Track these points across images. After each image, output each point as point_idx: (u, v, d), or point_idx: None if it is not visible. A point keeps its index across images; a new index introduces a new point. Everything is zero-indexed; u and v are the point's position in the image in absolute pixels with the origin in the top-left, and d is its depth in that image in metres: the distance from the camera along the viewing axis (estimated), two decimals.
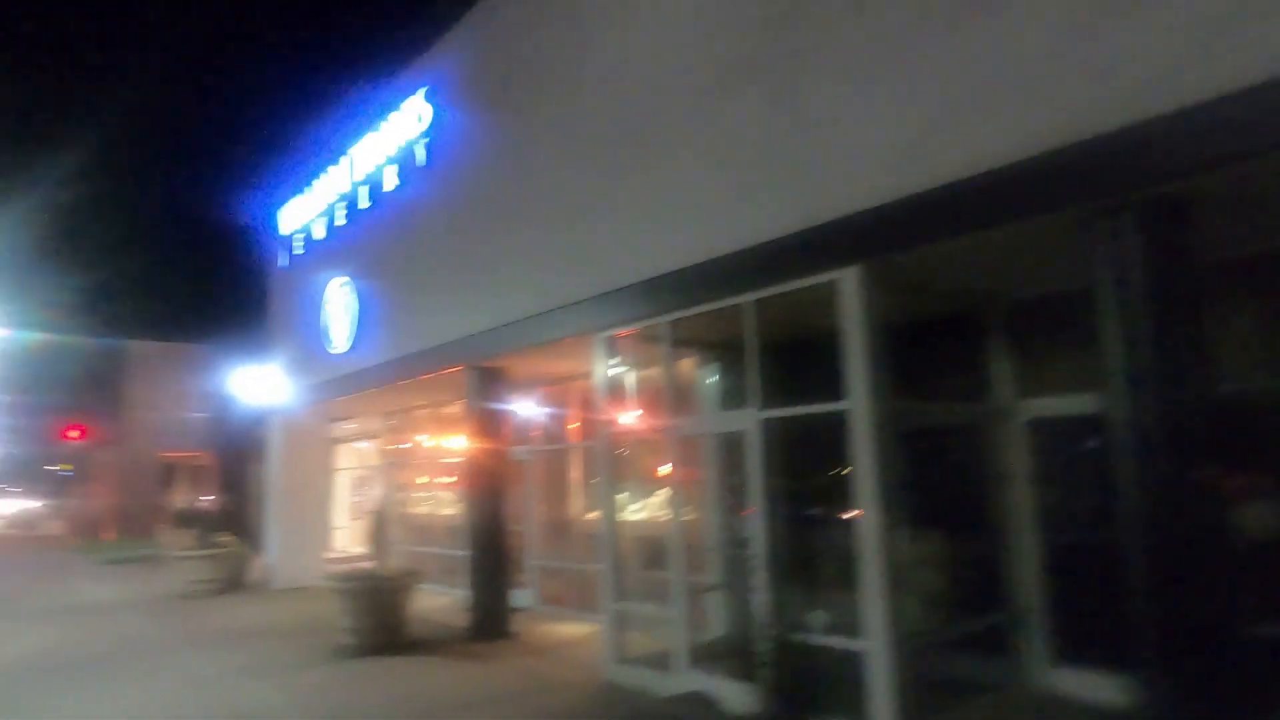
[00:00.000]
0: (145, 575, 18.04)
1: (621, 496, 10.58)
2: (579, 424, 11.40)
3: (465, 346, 10.02)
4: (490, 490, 10.12)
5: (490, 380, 10.31)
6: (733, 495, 8.36)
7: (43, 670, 8.91)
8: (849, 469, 5.76)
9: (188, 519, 27.56)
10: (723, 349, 8.26)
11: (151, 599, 14.14)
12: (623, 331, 7.83)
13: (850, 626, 5.91)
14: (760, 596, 6.17)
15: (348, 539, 21.97)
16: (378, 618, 9.13)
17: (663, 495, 10.56)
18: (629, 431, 8.36)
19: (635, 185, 7.57)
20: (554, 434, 11.91)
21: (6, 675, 8.73)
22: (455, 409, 14.32)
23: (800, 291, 6.10)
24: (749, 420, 6.47)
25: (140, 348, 32.09)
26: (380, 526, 9.69)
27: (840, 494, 6.59)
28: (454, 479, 15.37)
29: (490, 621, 9.82)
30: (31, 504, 62.58)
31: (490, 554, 9.99)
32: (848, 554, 6.59)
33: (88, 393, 35.38)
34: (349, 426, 19.19)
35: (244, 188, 17.33)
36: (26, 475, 72.74)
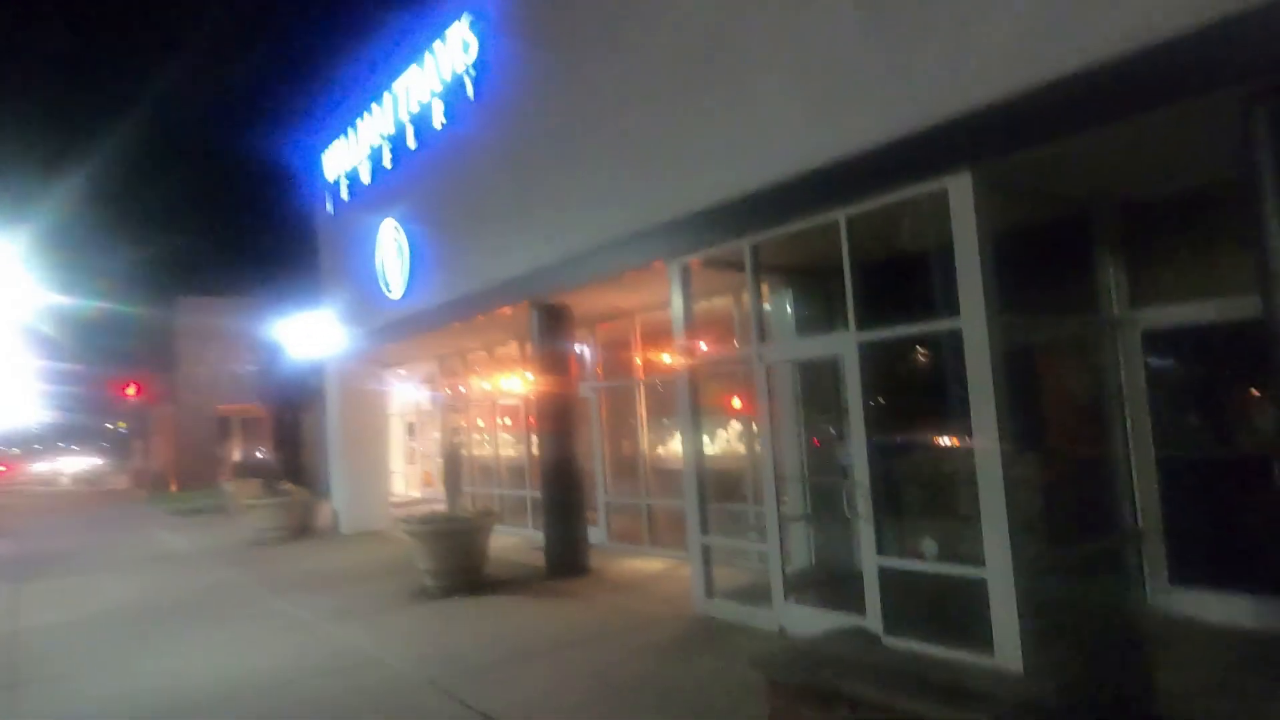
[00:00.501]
0: (214, 524, 18.50)
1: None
2: (644, 359, 11.16)
3: (527, 282, 9.77)
4: (560, 428, 9.98)
5: (554, 317, 10.07)
6: (820, 423, 8.11)
7: (146, 617, 9.10)
8: (955, 389, 5.45)
9: (247, 470, 28.20)
10: (807, 272, 7.89)
11: (226, 547, 14.45)
12: (698, 258, 7.48)
13: (962, 553, 5.68)
14: (864, 525, 5.94)
15: (404, 483, 22.31)
16: (457, 559, 9.13)
17: (735, 428, 10.36)
18: (707, 362, 8.08)
19: (710, 102, 7.13)
20: (619, 370, 11.69)
21: (114, 622, 8.93)
22: (511, 350, 14.20)
23: (901, 204, 5.69)
24: (844, 344, 6.14)
25: (191, 304, 32.44)
26: (453, 469, 9.63)
27: (945, 416, 6.30)
28: (512, 420, 15.34)
29: (567, 559, 9.79)
30: (94, 460, 64.90)
31: (563, 492, 9.91)
32: (954, 479, 6.34)
33: (142, 351, 36.03)
34: (401, 372, 19.25)
35: (285, 134, 17.06)
36: (87, 433, 75.30)
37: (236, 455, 34.34)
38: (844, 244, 6.07)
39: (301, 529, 15.12)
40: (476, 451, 15.65)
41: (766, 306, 8.59)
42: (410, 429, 23.06)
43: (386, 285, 13.06)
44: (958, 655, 5.18)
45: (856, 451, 6.02)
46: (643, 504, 11.04)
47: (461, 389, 16.39)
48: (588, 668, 6.20)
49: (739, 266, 7.17)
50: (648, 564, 10.15)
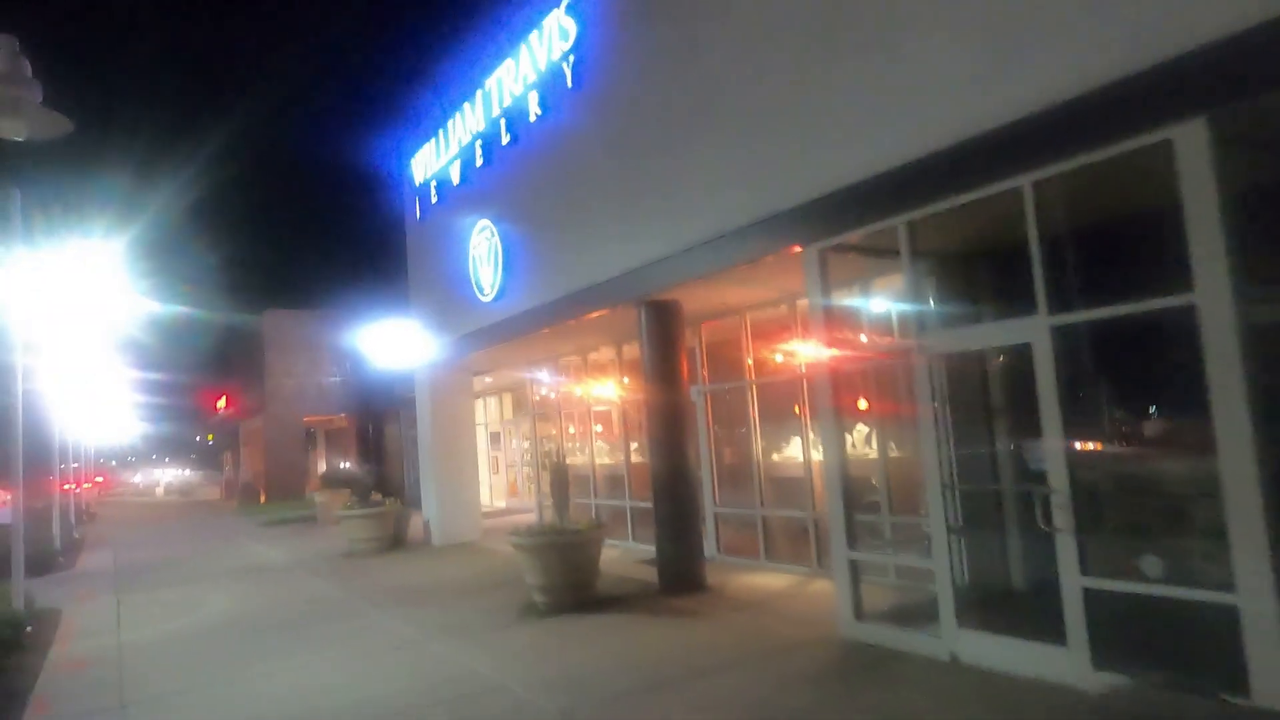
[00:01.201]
0: (305, 535, 18.45)
1: (824, 434, 9.64)
2: (755, 359, 10.44)
3: (634, 280, 9.17)
4: (671, 435, 9.33)
5: (662, 315, 9.44)
6: (968, 424, 7.25)
7: (249, 631, 8.79)
8: (1180, 379, 4.59)
9: (334, 481, 28.47)
10: (971, 252, 7.04)
11: (320, 558, 14.25)
12: (840, 242, 6.74)
13: (1197, 574, 4.79)
14: (1063, 540, 5.10)
15: (489, 493, 21.99)
16: (567, 574, 8.54)
17: (866, 429, 9.54)
18: (851, 358, 7.31)
19: (850, 67, 6.41)
20: (727, 371, 10.98)
21: (217, 636, 8.64)
22: (605, 354, 13.64)
23: (1107, 163, 4.86)
24: (1032, 330, 5.32)
25: (278, 316, 33.07)
26: (561, 479, 9.07)
27: (1166, 410, 5.42)
28: (605, 427, 14.78)
29: (682, 574, 9.11)
30: (186, 472, 67.33)
31: (678, 503, 9.24)
32: (1183, 485, 5.44)
33: (231, 364, 36.96)
34: (488, 380, 18.94)
35: (373, 141, 16.96)
36: (178, 446, 78.26)
37: (322, 466, 34.82)
38: (1029, 215, 5.26)
39: (394, 541, 14.84)
40: (571, 460, 15.13)
41: (927, 291, 7.82)
42: (494, 438, 22.78)
43: (479, 288, 12.66)
44: (1192, 697, 4.31)
45: (1052, 455, 5.18)
46: (756, 515, 10.29)
47: (553, 395, 15.93)
48: (737, 700, 5.50)
49: (887, 250, 6.42)
50: (767, 580, 9.39)
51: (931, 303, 6.18)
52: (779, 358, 10.36)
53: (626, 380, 13.36)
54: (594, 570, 8.82)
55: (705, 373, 11.32)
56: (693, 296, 9.33)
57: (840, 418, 6.86)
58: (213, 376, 40.19)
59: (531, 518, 17.42)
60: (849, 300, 8.18)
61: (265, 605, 10.31)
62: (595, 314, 10.26)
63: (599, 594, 8.84)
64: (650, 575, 10.03)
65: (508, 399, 22.86)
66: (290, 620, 9.26)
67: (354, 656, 7.39)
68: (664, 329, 9.43)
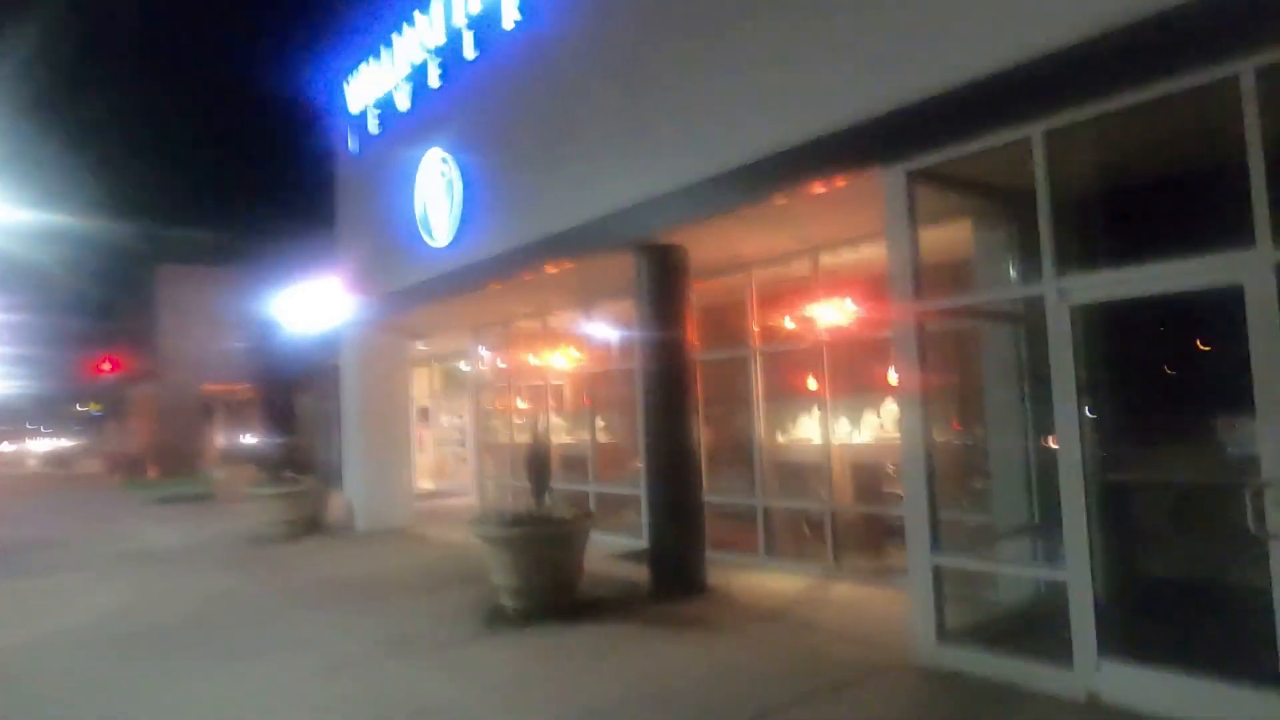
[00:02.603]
0: (202, 515, 16.13)
1: (841, 413, 8.28)
2: (761, 323, 8.99)
3: (634, 218, 7.56)
4: (673, 408, 7.79)
5: (665, 263, 7.87)
6: (1145, 393, 5.91)
7: (135, 640, 6.85)
8: None
9: (236, 456, 25.76)
10: (1139, 170, 5.65)
11: (223, 543, 12.13)
12: (939, 160, 5.31)
13: None
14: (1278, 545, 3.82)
15: (416, 475, 19.97)
16: (548, 574, 6.93)
17: (894, 408, 8.22)
18: (947, 312, 5.90)
19: None
20: (723, 338, 9.50)
21: (93, 646, 6.69)
22: (570, 316, 11.98)
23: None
24: (1247, 269, 4.01)
25: (174, 272, 29.79)
26: (539, 459, 7.41)
27: None
28: (565, 402, 13.14)
29: (678, 573, 7.61)
30: (65, 442, 61.80)
31: (677, 489, 7.72)
32: None
33: (118, 324, 33.37)
34: (419, 347, 16.99)
35: (298, 59, 14.66)
36: (57, 414, 72.00)
37: (222, 440, 31.80)
38: (1249, 116, 3.93)
39: (311, 524, 12.81)
40: (516, 438, 13.41)
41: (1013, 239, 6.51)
42: (422, 414, 20.75)
43: (428, 232, 10.78)
44: None
45: (1271, 435, 3.89)
46: (756, 505, 8.86)
47: (501, 365, 14.15)
48: None
49: (996, 174, 5.05)
50: (774, 581, 7.99)
51: (1075, 239, 4.82)
52: (790, 323, 8.94)
53: (596, 345, 11.74)
54: (578, 569, 7.23)
55: (696, 338, 9.79)
56: (701, 243, 7.80)
57: (923, 388, 5.44)
58: (98, 339, 36.30)
59: (467, 501, 15.64)
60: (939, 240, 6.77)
61: (156, 603, 8.29)
62: (578, 261, 8.63)
63: (583, 597, 7.27)
64: (631, 572, 8.50)
65: (438, 371, 20.87)
66: (188, 624, 7.32)
67: (278, 682, 5.59)
68: (666, 280, 7.86)
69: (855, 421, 8.56)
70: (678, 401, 7.78)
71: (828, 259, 8.28)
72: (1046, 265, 4.77)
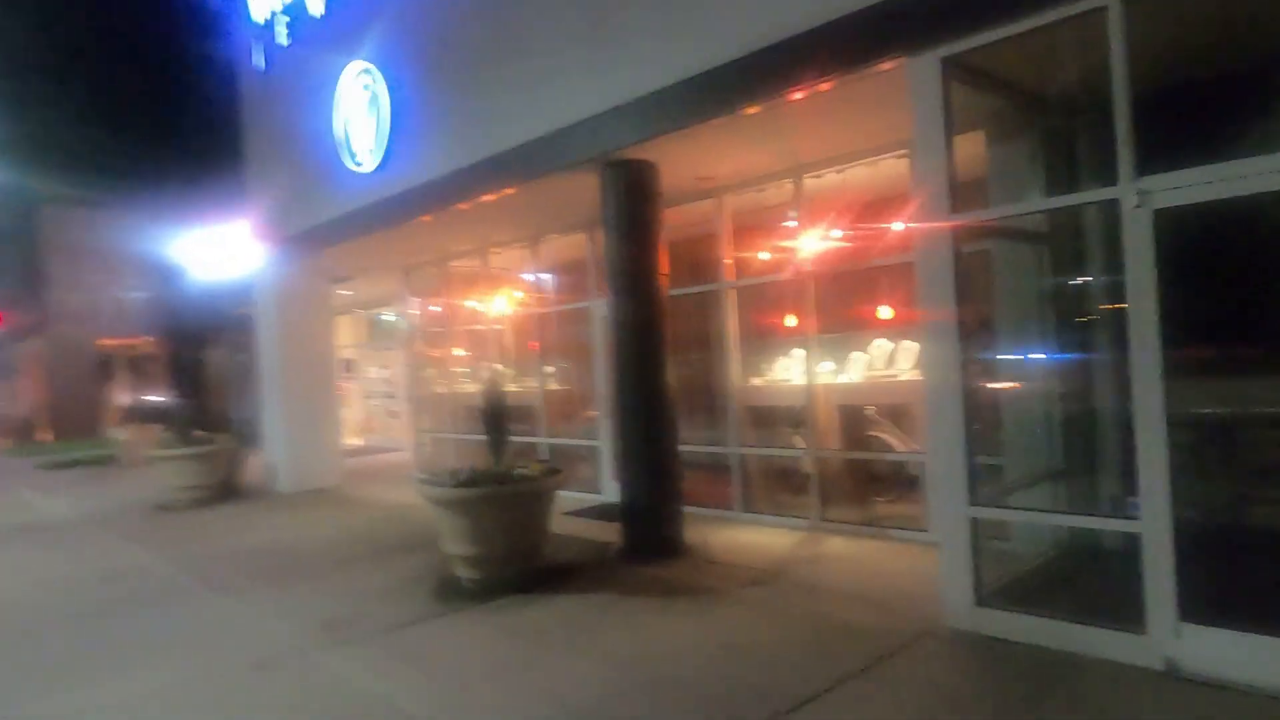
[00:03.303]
0: (105, 481, 14.57)
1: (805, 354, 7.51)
2: (735, 255, 8.13)
3: (599, 129, 6.56)
4: (645, 348, 6.89)
5: (634, 182, 6.88)
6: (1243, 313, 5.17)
7: (16, 631, 5.67)
8: None
9: (141, 415, 23.75)
10: (1234, 49, 4.88)
11: (127, 511, 10.79)
12: (984, 41, 4.46)
13: None
14: None
15: (347, 430, 18.65)
16: (512, 539, 6.02)
17: (886, 345, 7.53)
18: (984, 225, 5.11)
19: None
20: (693, 271, 8.59)
21: None
22: (516, 252, 10.91)
23: None
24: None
25: (60, 215, 27.01)
26: (496, 410, 6.42)
27: None
28: (509, 348, 12.12)
29: (654, 533, 6.81)
30: None
31: (652, 440, 6.86)
32: None
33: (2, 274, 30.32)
34: (343, 294, 15.63)
35: None
36: None
37: (124, 399, 29.45)
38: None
39: (226, 488, 11.55)
40: (455, 389, 12.34)
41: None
42: (348, 365, 19.35)
43: (352, 156, 9.47)
44: None
45: None
46: (733, 455, 8.11)
47: (436, 308, 12.96)
48: None
49: (1046, 62, 4.24)
50: (756, 537, 7.29)
51: (1156, 132, 4.07)
52: (768, 255, 8.11)
53: (545, 285, 10.74)
54: (545, 532, 6.34)
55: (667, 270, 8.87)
56: (674, 160, 6.85)
57: (963, 313, 4.67)
58: None
59: (401, 458, 14.55)
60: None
61: (45, 583, 7.06)
62: (529, 185, 7.58)
63: (548, 563, 6.40)
64: (596, 531, 7.72)
65: (363, 320, 19.47)
66: (88, 609, 6.17)
67: (189, 683, 4.56)
68: (636, 202, 6.89)
69: (841, 361, 7.84)
70: (651, 340, 6.89)
71: (812, 183, 7.44)
72: (1124, 164, 4.01)
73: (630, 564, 6.61)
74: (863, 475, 7.69)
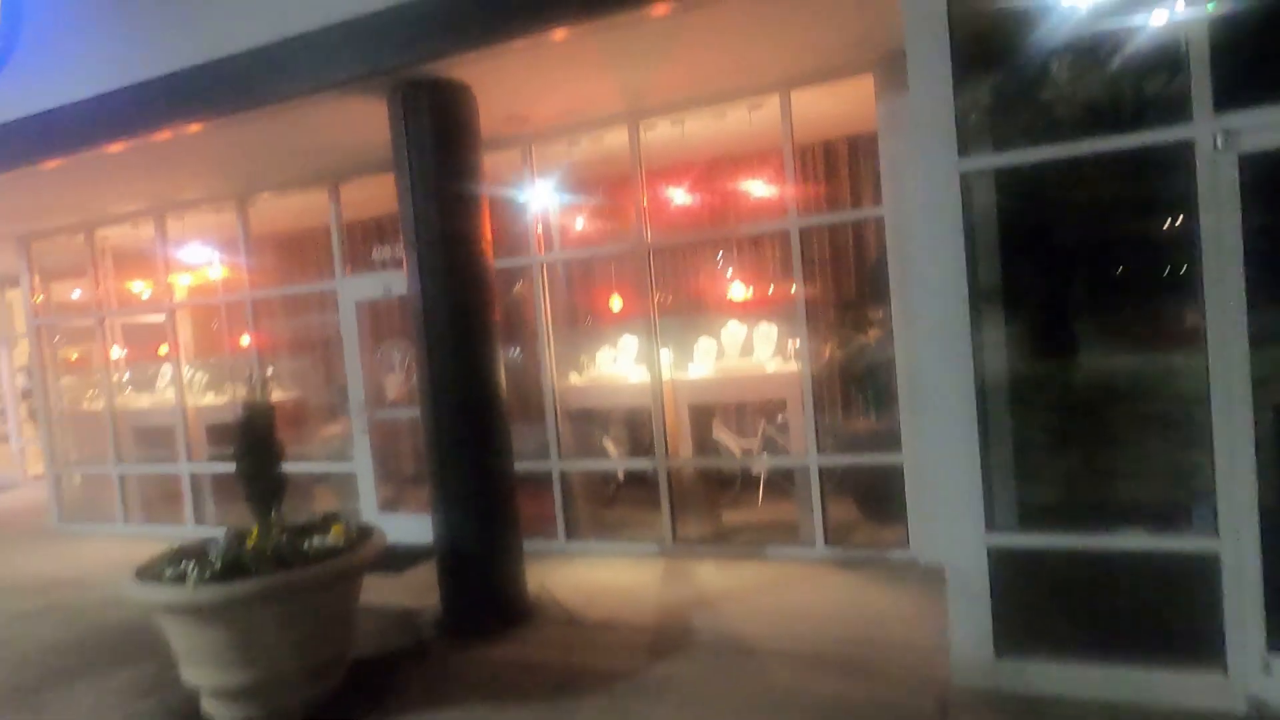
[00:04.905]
0: None
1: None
2: (603, 214, 6.47)
3: (389, 30, 4.53)
4: (467, 341, 4.99)
5: (445, 112, 4.92)
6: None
7: None
8: None
9: None
10: None
11: None
12: None
13: None
14: None
15: None
16: (305, 653, 3.84)
17: (743, 331, 6.42)
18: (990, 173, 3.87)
19: None
20: (504, 242, 6.70)
21: None
22: (213, 215, 8.11)
23: None
24: None
25: None
26: (260, 441, 4.10)
27: None
28: (194, 342, 9.15)
29: (489, 593, 4.99)
30: None
31: (483, 465, 5.00)
32: None
33: None
34: None
35: None
36: None
37: None
38: None
39: None
40: (116, 404, 9.02)
41: None
42: None
43: None
44: None
45: None
46: (551, 470, 6.47)
47: (82, 293, 9.37)
48: None
49: None
50: (600, 573, 5.83)
51: (1241, 58, 3.25)
52: (589, 222, 6.57)
53: (260, 259, 8.06)
54: (352, 633, 4.23)
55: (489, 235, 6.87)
56: (488, 88, 5.02)
57: (968, 291, 3.60)
58: None
59: (25, 497, 10.62)
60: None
61: None
62: (262, 111, 5.19)
63: (350, 662, 4.31)
64: (386, 591, 5.70)
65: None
66: None
67: None
68: (449, 138, 4.93)
69: (688, 351, 6.56)
70: (474, 329, 5.00)
71: (649, 134, 6.04)
72: (1199, 102, 3.18)
73: (460, 643, 4.75)
74: (709, 484, 6.56)
